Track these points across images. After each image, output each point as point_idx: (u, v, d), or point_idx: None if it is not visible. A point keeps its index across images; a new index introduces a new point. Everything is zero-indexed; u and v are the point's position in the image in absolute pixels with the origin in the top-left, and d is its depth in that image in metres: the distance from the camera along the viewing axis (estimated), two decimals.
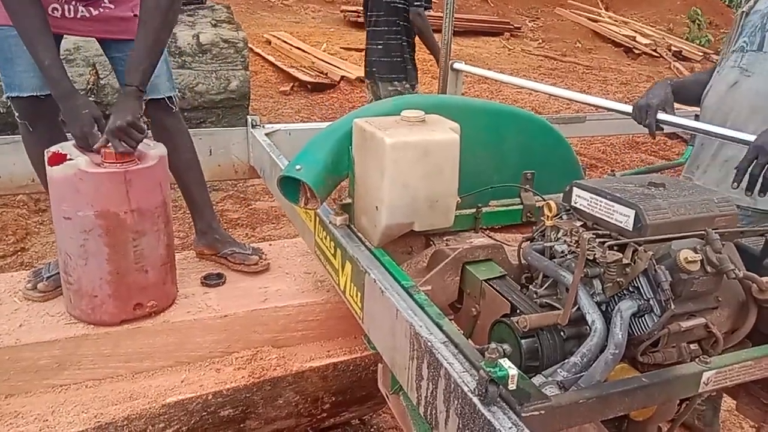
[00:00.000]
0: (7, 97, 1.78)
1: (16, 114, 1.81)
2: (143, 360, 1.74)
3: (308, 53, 7.86)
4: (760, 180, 1.49)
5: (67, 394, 1.65)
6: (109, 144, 1.61)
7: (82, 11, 1.79)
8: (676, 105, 2.04)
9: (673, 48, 10.51)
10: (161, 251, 1.74)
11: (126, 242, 1.65)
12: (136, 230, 1.66)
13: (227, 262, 2.08)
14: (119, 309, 1.70)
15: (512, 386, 0.93)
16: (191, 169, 2.08)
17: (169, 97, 1.95)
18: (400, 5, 3.80)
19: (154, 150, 1.70)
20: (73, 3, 1.77)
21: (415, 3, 3.76)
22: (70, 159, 1.60)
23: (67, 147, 1.67)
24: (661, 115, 1.98)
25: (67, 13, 1.77)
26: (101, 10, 1.81)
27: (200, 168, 2.12)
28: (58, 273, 1.86)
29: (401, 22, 3.82)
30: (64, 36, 1.85)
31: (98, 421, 1.55)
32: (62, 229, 1.65)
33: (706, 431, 2.21)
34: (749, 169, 1.50)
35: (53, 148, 1.64)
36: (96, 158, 1.62)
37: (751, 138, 1.62)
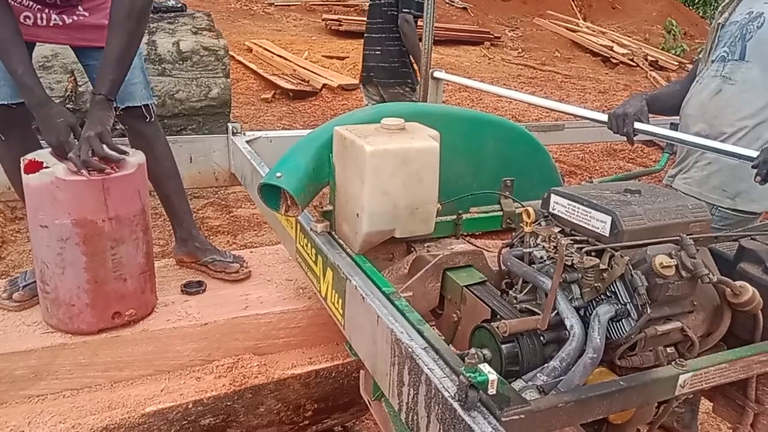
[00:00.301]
0: None
1: None
2: (122, 369, 1.72)
3: (290, 61, 7.86)
4: None
5: (44, 404, 1.62)
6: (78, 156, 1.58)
7: (55, 19, 1.76)
8: (651, 116, 2.11)
9: (650, 57, 10.71)
10: (140, 259, 1.72)
11: (104, 251, 1.63)
12: (114, 238, 1.64)
13: (208, 269, 2.06)
14: (97, 318, 1.68)
15: (492, 391, 0.94)
16: (170, 177, 2.07)
17: (146, 105, 1.93)
18: (395, 12, 3.95)
19: (132, 158, 1.69)
20: (46, 11, 1.75)
21: (404, 9, 3.89)
22: (47, 167, 1.58)
23: (44, 155, 1.64)
24: (638, 125, 2.03)
25: (39, 22, 1.74)
26: (75, 18, 1.79)
27: (179, 176, 2.11)
28: (34, 282, 1.83)
29: (397, 29, 3.96)
30: (37, 43, 1.83)
31: None
32: (39, 238, 1.63)
33: None
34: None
35: (29, 156, 1.62)
36: (73, 166, 1.61)
37: (719, 145, 1.76)
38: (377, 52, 4.08)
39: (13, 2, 1.67)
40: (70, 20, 1.78)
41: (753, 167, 1.65)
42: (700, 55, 2.17)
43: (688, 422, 2.20)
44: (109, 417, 1.57)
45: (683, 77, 2.32)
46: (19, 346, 1.63)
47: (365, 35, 4.24)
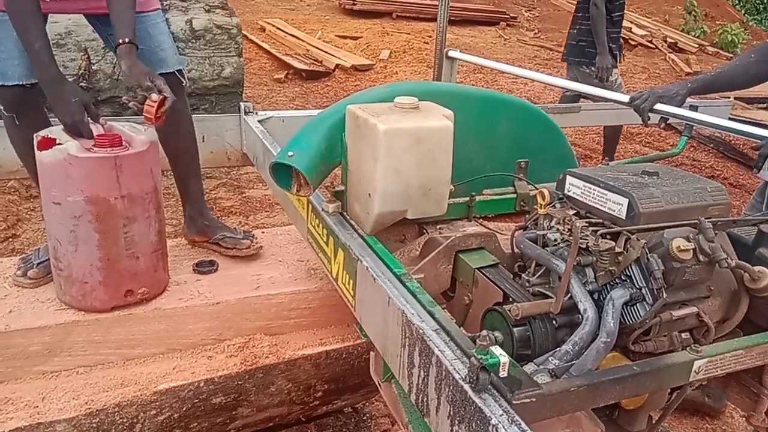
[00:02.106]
0: None
1: (0, 106, 1.76)
2: (134, 347, 1.73)
3: (303, 41, 7.81)
4: None
5: (58, 380, 1.64)
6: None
7: None
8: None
9: (669, 39, 10.49)
10: (152, 238, 1.73)
11: (116, 228, 1.64)
12: (127, 216, 1.64)
13: (219, 247, 2.06)
14: (110, 295, 1.68)
15: (503, 374, 0.93)
16: (189, 155, 2.05)
17: (179, 71, 1.91)
18: None
19: (144, 135, 1.68)
20: None
21: None
22: (60, 144, 1.58)
23: (57, 131, 1.64)
24: (659, 105, 1.98)
25: None
26: None
27: (198, 155, 2.09)
28: (48, 259, 1.84)
29: (587, 12, 4.20)
30: (50, 21, 1.82)
31: (89, 408, 1.54)
32: (52, 215, 1.63)
33: (716, 406, 2.22)
34: None
35: (42, 133, 1.62)
36: (86, 143, 1.61)
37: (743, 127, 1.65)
38: (573, 30, 4.43)
39: None
40: None
41: (754, 148, 1.60)
42: None
43: (719, 396, 2.17)
44: (121, 394, 1.59)
45: (757, 47, 2.12)
46: (33, 322, 1.65)
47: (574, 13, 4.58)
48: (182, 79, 1.94)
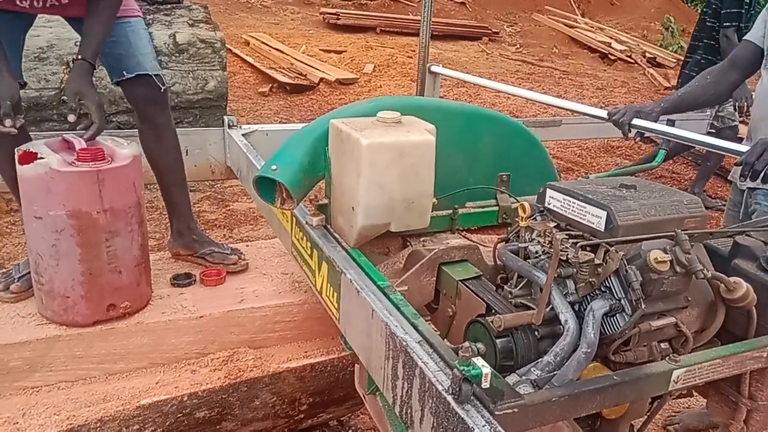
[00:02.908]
0: None
1: None
2: (117, 361, 1.71)
3: (287, 55, 7.83)
4: (762, 173, 1.63)
5: (39, 396, 1.62)
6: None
7: (51, 1, 1.74)
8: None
9: (648, 54, 10.69)
10: (135, 252, 1.72)
11: (99, 242, 1.63)
12: (109, 230, 1.64)
13: (205, 262, 2.06)
14: (92, 310, 1.67)
15: (486, 384, 0.94)
16: (175, 169, 2.06)
17: (157, 76, 1.91)
18: (711, 23, 3.79)
19: (126, 149, 1.68)
20: None
21: (725, 24, 3.66)
22: (41, 158, 1.57)
23: (38, 145, 1.64)
24: (636, 121, 2.04)
25: (36, 3, 1.73)
26: None
27: (183, 168, 2.10)
28: (29, 273, 1.82)
29: (710, 41, 3.80)
30: (31, 32, 1.81)
31: (70, 424, 1.52)
32: (33, 229, 1.62)
33: None
34: (754, 164, 1.64)
35: (23, 147, 1.61)
36: (68, 157, 1.60)
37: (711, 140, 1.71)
38: (689, 59, 4.02)
39: None
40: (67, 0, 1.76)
41: (736, 164, 1.65)
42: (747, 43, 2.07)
43: None
44: (103, 409, 1.57)
45: (713, 69, 2.21)
46: (13, 337, 1.63)
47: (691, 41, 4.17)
48: (160, 84, 1.92)
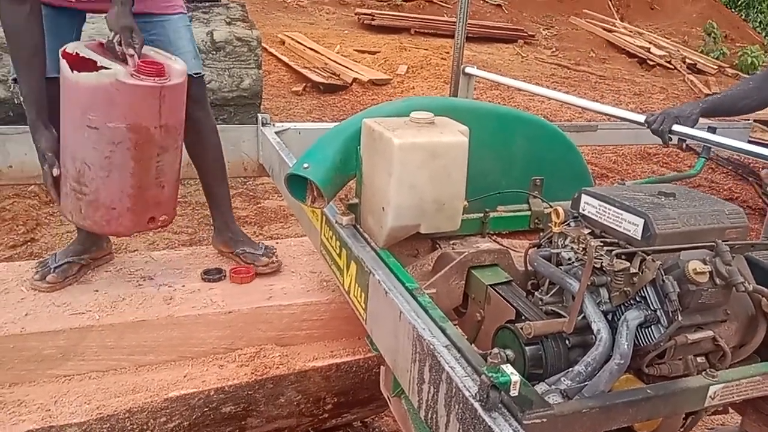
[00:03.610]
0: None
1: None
2: (147, 353, 1.74)
3: (321, 54, 7.88)
4: None
5: (71, 384, 1.66)
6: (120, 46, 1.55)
7: None
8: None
9: (688, 60, 10.43)
10: (176, 167, 1.73)
11: (151, 157, 1.62)
12: (161, 146, 1.63)
13: (239, 260, 2.07)
14: (134, 222, 1.69)
15: (514, 392, 0.92)
16: (216, 165, 2.07)
17: (198, 74, 1.91)
18: None
19: (179, 65, 1.65)
20: None
21: None
22: (104, 67, 1.53)
23: (84, 50, 1.58)
24: (676, 127, 1.97)
25: None
26: None
27: (224, 165, 2.10)
28: (67, 263, 1.86)
29: None
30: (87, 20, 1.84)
31: (100, 413, 1.55)
32: (84, 138, 1.57)
33: None
34: None
35: (70, 48, 1.58)
36: (129, 68, 1.55)
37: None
38: None
39: None
40: None
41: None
42: None
43: None
44: (132, 400, 1.60)
45: (757, 74, 2.17)
46: (48, 326, 1.67)
47: None
48: (200, 84, 1.92)
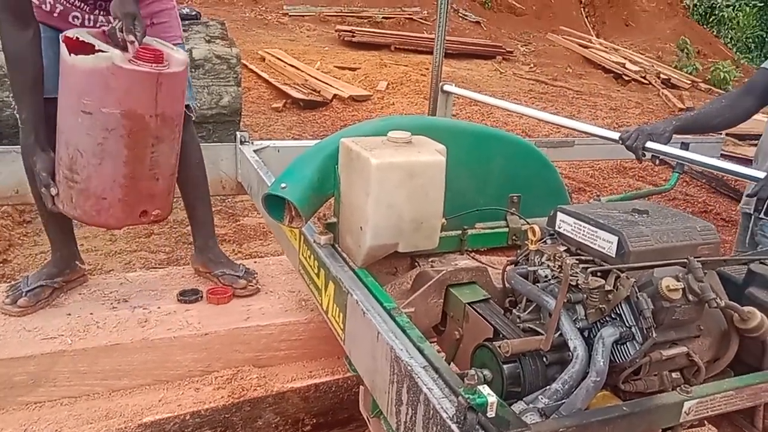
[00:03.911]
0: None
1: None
2: (121, 378, 1.71)
3: (302, 71, 7.90)
4: None
5: (42, 411, 1.62)
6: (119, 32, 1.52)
7: (101, 22, 1.74)
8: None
9: (662, 76, 10.67)
10: (172, 161, 1.68)
11: (145, 147, 1.57)
12: (157, 136, 1.58)
13: (218, 282, 2.05)
14: (126, 214, 1.63)
15: (491, 414, 0.91)
16: (198, 184, 2.05)
17: (187, 106, 1.88)
18: None
19: (180, 55, 1.62)
20: (95, 13, 1.73)
21: None
22: (101, 51, 1.49)
23: (84, 34, 1.55)
24: (650, 144, 2.01)
25: (87, 23, 1.73)
26: None
27: (207, 185, 2.09)
28: (39, 286, 1.82)
29: None
30: None
31: None
32: (78, 124, 1.53)
33: None
34: None
35: (69, 33, 1.54)
36: (127, 54, 1.52)
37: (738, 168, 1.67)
38: None
39: (64, 3, 1.67)
40: None
41: (748, 195, 1.61)
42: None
43: None
44: (105, 426, 1.56)
45: (729, 93, 2.24)
46: (18, 351, 1.63)
47: None
48: (190, 114, 1.92)
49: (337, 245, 1.61)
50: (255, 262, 2.32)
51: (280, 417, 1.77)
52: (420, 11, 11.78)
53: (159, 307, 1.88)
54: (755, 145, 4.10)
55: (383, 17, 11.15)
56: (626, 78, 10.41)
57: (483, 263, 1.62)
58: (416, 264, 1.63)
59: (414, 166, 1.43)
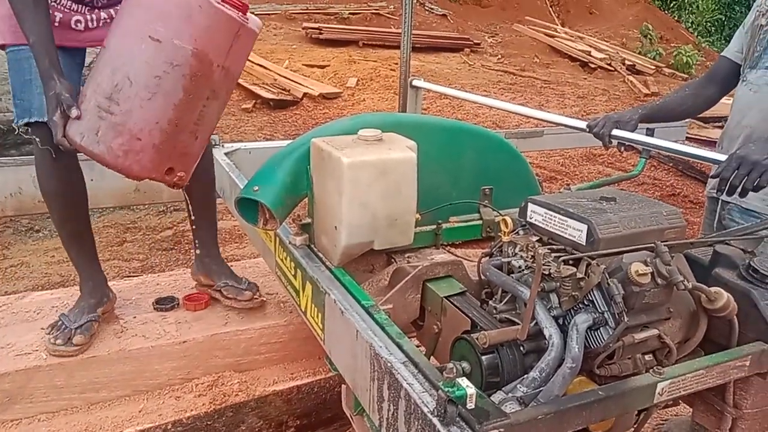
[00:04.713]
0: (24, 124, 1.62)
1: (37, 140, 1.64)
2: (99, 390, 1.69)
3: (270, 70, 7.84)
4: (739, 188, 1.61)
5: (19, 429, 1.59)
6: None
7: (104, 17, 1.70)
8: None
9: (627, 62, 10.85)
10: (214, 123, 1.58)
11: (201, 98, 1.46)
12: (214, 89, 1.49)
13: (221, 294, 1.98)
14: (153, 164, 1.48)
15: (471, 405, 0.93)
16: (210, 191, 2.00)
17: None
18: None
19: (255, 19, 1.54)
20: (96, 11, 1.69)
21: None
22: None
23: None
24: (616, 131, 2.06)
25: (90, 24, 1.68)
26: None
27: (215, 192, 2.04)
28: (89, 321, 1.73)
29: None
30: (87, 49, 1.77)
31: None
32: (138, 49, 1.40)
33: None
34: (730, 179, 1.62)
35: None
36: None
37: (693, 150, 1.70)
38: None
39: (62, 9, 1.63)
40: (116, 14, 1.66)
41: (712, 177, 1.65)
42: (729, 56, 2.07)
43: None
44: None
45: (692, 81, 2.27)
46: None
47: None
48: None
49: (312, 245, 1.61)
50: (232, 264, 2.30)
51: (263, 421, 1.77)
52: (386, 6, 11.77)
53: (135, 317, 1.85)
54: (719, 127, 4.21)
55: (350, 13, 11.12)
56: (592, 66, 10.57)
57: (458, 257, 1.64)
58: (393, 260, 1.64)
59: (386, 164, 1.43)
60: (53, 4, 1.62)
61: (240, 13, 1.46)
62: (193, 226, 2.05)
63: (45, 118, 1.55)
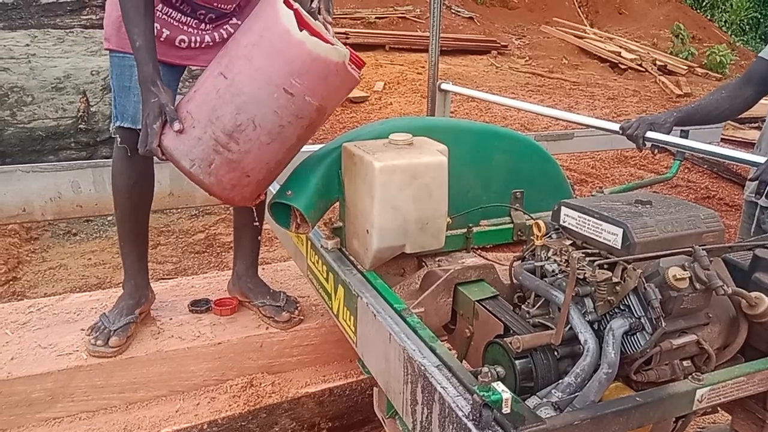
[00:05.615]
0: (117, 126, 1.69)
1: (118, 138, 1.70)
2: (137, 390, 1.72)
3: None
4: None
5: (60, 427, 1.63)
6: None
7: (207, 40, 1.71)
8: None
9: (658, 62, 10.65)
10: (291, 155, 1.61)
11: (305, 138, 1.54)
12: (315, 130, 1.56)
13: (258, 312, 1.96)
14: (253, 195, 1.57)
15: (506, 410, 0.93)
16: (258, 208, 1.89)
17: None
18: None
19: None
20: (202, 27, 1.70)
21: None
22: (326, 40, 1.44)
23: (302, 10, 1.49)
24: (650, 133, 2.03)
25: (193, 44, 1.70)
26: (226, 33, 1.71)
27: (264, 210, 1.97)
28: (126, 324, 1.76)
29: None
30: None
31: None
32: (271, 98, 1.43)
33: None
34: None
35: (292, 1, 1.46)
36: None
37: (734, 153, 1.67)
38: None
39: (171, 23, 1.65)
40: (220, 38, 1.71)
41: (751, 180, 1.61)
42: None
43: None
44: None
45: (728, 83, 2.22)
46: (35, 369, 1.64)
47: None
48: None
49: (344, 249, 1.62)
50: (263, 268, 2.32)
51: (296, 422, 1.78)
52: (412, 9, 11.78)
53: (171, 318, 1.89)
54: (756, 128, 4.10)
55: (376, 17, 11.15)
56: (622, 67, 10.40)
57: (490, 260, 1.64)
58: (423, 264, 1.65)
59: (416, 168, 1.44)
60: (163, 17, 1.64)
61: (358, 72, 1.50)
62: (236, 240, 2.02)
63: (136, 127, 1.61)
